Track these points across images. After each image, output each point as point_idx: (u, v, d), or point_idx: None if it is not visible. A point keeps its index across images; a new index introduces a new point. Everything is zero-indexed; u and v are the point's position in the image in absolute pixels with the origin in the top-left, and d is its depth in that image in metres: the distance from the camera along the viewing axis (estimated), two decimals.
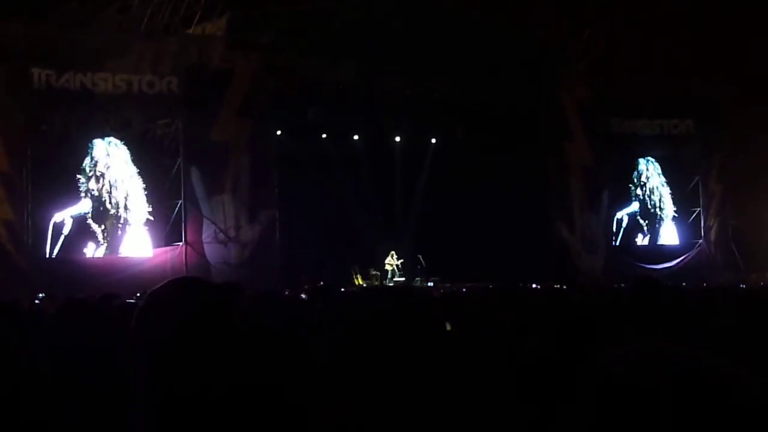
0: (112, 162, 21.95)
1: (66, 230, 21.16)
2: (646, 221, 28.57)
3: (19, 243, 20.31)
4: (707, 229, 28.22)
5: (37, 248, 20.78)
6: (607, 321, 4.28)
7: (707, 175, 28.01)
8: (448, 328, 4.56)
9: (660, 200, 28.73)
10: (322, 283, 23.08)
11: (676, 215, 28.60)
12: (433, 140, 26.93)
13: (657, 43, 24.01)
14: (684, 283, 19.42)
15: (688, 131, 27.79)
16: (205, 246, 22.45)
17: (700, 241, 28.12)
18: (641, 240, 28.33)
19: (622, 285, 18.46)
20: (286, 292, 17.13)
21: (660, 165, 28.73)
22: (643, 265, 26.39)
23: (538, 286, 16.34)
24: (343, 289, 20.50)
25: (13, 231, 20.22)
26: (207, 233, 22.53)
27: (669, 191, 28.65)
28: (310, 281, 23.84)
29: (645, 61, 24.61)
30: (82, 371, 4.53)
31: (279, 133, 24.29)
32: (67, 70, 20.86)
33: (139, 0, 21.56)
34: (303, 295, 15.18)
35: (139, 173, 22.17)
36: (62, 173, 21.24)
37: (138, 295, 15.98)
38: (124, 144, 22.12)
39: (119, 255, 21.92)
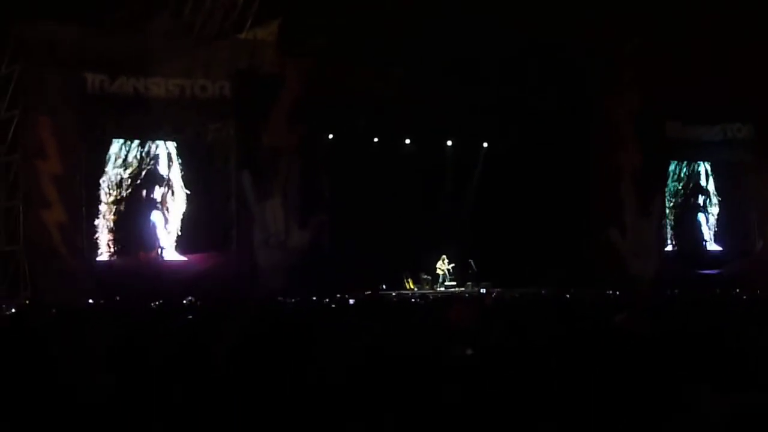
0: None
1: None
2: (700, 226, 28.26)
3: (72, 246, 20.44)
4: (764, 236, 27.69)
5: (90, 251, 20.97)
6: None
7: (765, 180, 27.41)
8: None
9: (713, 205, 28.34)
10: (384, 286, 23.28)
11: (730, 220, 28.20)
12: (485, 145, 26.80)
13: (714, 46, 23.60)
14: (737, 290, 19.14)
15: (749, 135, 27.36)
16: (255, 251, 22.46)
17: (756, 246, 27.64)
18: (692, 245, 27.98)
19: (676, 291, 18.29)
20: (337, 296, 17.18)
21: (716, 169, 28.36)
22: (695, 270, 25.97)
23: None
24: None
25: (66, 234, 20.33)
26: (257, 238, 22.54)
27: (723, 196, 28.25)
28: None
29: (702, 65, 24.18)
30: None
31: (330, 137, 24.28)
32: (120, 75, 21.04)
33: (192, 5, 21.64)
34: (351, 300, 15.21)
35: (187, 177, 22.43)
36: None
37: (191, 298, 16.08)
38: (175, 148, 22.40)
39: (169, 259, 22.11)
